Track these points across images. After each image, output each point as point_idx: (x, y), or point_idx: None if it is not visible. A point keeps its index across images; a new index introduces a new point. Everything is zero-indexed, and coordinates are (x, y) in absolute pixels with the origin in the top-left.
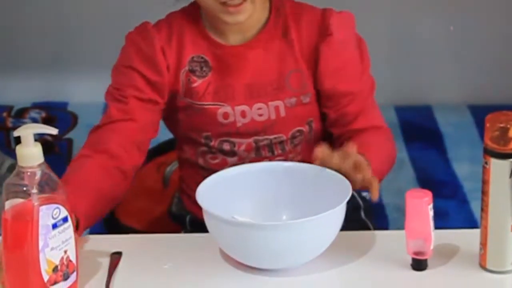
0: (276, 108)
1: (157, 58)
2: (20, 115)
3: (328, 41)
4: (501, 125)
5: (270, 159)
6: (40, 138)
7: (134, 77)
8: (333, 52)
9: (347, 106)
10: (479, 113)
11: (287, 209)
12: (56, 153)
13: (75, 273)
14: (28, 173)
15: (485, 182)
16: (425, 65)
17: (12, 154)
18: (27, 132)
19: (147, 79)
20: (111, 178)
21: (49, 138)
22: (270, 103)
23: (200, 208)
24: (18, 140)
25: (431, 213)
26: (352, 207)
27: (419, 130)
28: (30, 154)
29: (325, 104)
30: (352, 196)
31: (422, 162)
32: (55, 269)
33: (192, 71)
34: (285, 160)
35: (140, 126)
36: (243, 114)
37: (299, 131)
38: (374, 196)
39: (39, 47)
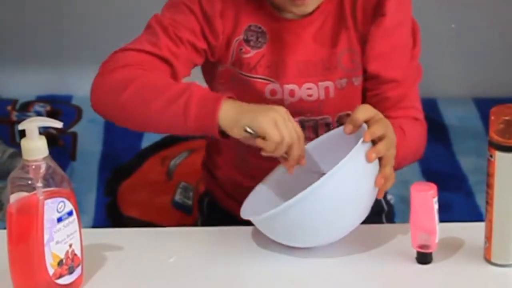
0: (326, 89)
1: (216, 22)
2: (25, 109)
3: (379, 23)
4: (506, 118)
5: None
6: (44, 131)
7: (193, 22)
8: (382, 35)
9: (388, 92)
10: (484, 106)
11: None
12: (60, 147)
13: (80, 266)
14: (33, 167)
15: (490, 175)
16: (430, 58)
17: (16, 148)
18: (32, 125)
19: (204, 34)
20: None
21: (53, 131)
22: (320, 83)
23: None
24: (22, 133)
25: (436, 206)
26: (375, 211)
27: None
28: (35, 148)
29: (366, 87)
30: (377, 200)
31: (427, 154)
32: (60, 263)
33: (246, 41)
34: None
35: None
36: (292, 93)
37: (347, 114)
38: (380, 194)
39: (43, 41)
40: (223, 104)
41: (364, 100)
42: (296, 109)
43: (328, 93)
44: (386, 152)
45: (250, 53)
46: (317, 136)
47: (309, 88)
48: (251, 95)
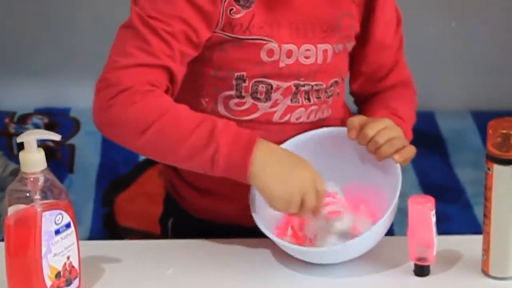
0: (325, 52)
1: None
2: (23, 121)
3: None
4: (504, 131)
5: (305, 107)
6: (42, 144)
7: (183, 7)
8: (387, 1)
9: (385, 59)
10: (482, 119)
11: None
12: (58, 159)
13: (77, 279)
14: (31, 179)
15: (487, 189)
16: (428, 71)
17: (15, 160)
18: (31, 138)
19: (200, 9)
20: None
21: (51, 144)
22: (319, 45)
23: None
24: (21, 146)
25: (433, 219)
26: None
27: (421, 136)
28: (33, 160)
29: (362, 59)
30: None
31: (424, 167)
32: (58, 275)
33: (236, 0)
34: (318, 109)
35: (176, 86)
36: (289, 54)
37: (336, 81)
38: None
39: (41, 53)
40: (252, 161)
41: (352, 69)
42: (292, 72)
43: (326, 57)
44: (405, 142)
45: (241, 13)
46: (309, 102)
47: (307, 50)
48: (245, 59)
